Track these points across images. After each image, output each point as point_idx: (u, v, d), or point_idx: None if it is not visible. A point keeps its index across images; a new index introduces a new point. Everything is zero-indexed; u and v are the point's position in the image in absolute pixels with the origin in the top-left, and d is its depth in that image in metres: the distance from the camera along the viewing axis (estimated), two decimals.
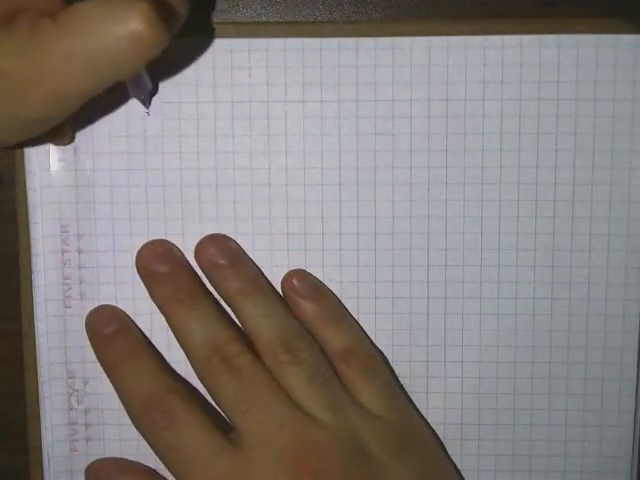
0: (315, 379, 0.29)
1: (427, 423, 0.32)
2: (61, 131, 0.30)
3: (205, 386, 0.30)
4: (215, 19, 0.31)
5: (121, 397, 0.30)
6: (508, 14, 0.31)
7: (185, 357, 0.30)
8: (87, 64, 0.23)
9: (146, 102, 0.30)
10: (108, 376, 0.30)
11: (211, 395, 0.30)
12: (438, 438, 0.32)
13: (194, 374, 0.30)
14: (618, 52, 0.30)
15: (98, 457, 0.32)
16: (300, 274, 0.31)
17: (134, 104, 0.31)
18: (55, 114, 0.25)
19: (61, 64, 0.23)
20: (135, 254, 0.31)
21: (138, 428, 0.29)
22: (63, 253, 0.31)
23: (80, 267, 0.32)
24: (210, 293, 0.31)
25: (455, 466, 0.32)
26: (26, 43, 0.23)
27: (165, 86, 0.31)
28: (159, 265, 0.31)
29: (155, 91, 0.31)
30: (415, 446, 0.30)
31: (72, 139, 0.31)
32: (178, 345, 0.30)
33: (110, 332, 0.31)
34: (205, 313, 0.30)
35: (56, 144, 0.31)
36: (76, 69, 0.23)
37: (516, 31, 0.30)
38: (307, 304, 0.31)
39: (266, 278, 0.31)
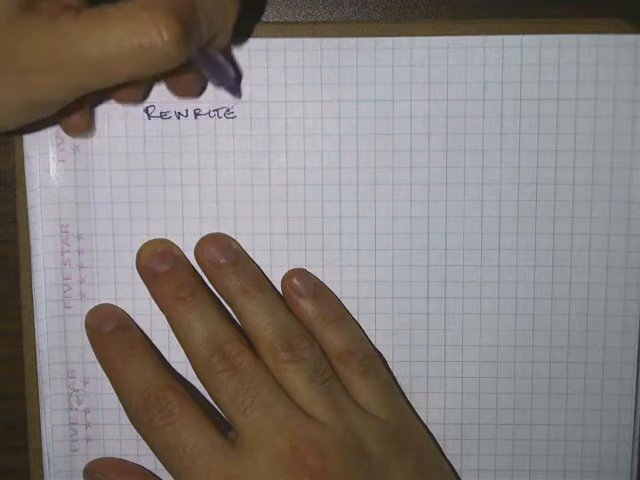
0: (316, 378, 0.29)
1: (424, 424, 0.32)
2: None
3: (204, 385, 0.29)
4: None
5: (119, 395, 0.30)
6: (508, 14, 0.31)
7: (185, 357, 0.30)
8: (100, 65, 0.23)
9: (235, 91, 0.30)
10: (106, 374, 0.30)
11: (210, 394, 0.29)
12: (436, 439, 0.32)
13: (194, 374, 0.30)
14: (618, 52, 0.30)
15: (98, 457, 0.32)
16: (300, 273, 0.31)
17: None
18: (63, 100, 0.25)
19: (75, 59, 0.23)
20: (135, 254, 0.31)
21: (136, 426, 0.29)
22: (63, 253, 0.31)
23: (80, 267, 0.32)
24: (211, 292, 0.31)
25: (452, 466, 0.32)
26: (45, 32, 0.23)
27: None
28: (159, 264, 0.31)
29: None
30: (413, 446, 0.30)
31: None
32: (178, 345, 0.30)
33: (109, 330, 0.31)
34: (205, 311, 0.30)
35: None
36: (89, 67, 0.23)
37: (516, 31, 0.30)
38: (307, 303, 0.31)
39: (266, 277, 0.31)
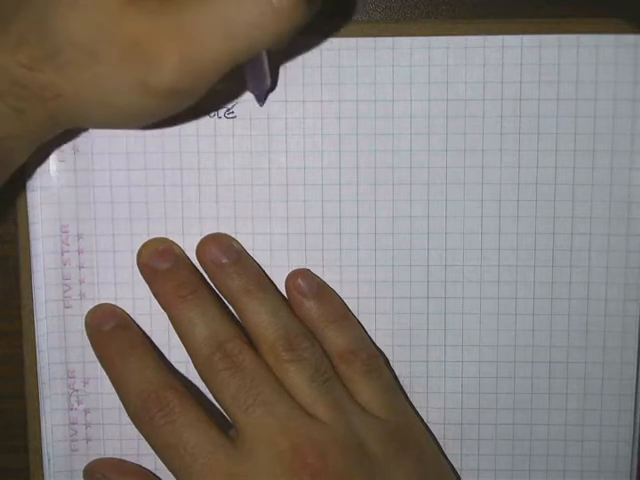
0: (317, 378, 0.29)
1: (426, 424, 0.32)
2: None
3: (206, 383, 0.29)
4: None
5: (119, 394, 0.30)
6: (508, 14, 0.31)
7: (186, 357, 0.30)
8: (223, 31, 0.21)
9: (261, 98, 0.30)
10: (106, 373, 0.30)
11: (212, 392, 0.29)
12: (436, 439, 0.32)
13: (195, 374, 0.30)
14: (618, 52, 0.30)
15: (98, 457, 0.32)
16: (304, 273, 0.31)
17: None
18: (187, 86, 0.23)
19: (195, 29, 0.21)
20: (135, 254, 0.31)
21: (136, 425, 0.29)
22: (63, 253, 0.31)
23: (80, 267, 0.32)
24: (212, 290, 0.31)
25: (452, 466, 0.32)
26: (159, 3, 0.21)
27: None
28: (160, 262, 0.31)
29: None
30: (414, 446, 0.30)
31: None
32: (179, 345, 0.30)
33: (109, 329, 0.31)
34: (207, 309, 0.30)
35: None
36: (211, 35, 0.21)
37: (516, 31, 0.30)
38: (310, 303, 0.31)
39: (268, 277, 0.31)
